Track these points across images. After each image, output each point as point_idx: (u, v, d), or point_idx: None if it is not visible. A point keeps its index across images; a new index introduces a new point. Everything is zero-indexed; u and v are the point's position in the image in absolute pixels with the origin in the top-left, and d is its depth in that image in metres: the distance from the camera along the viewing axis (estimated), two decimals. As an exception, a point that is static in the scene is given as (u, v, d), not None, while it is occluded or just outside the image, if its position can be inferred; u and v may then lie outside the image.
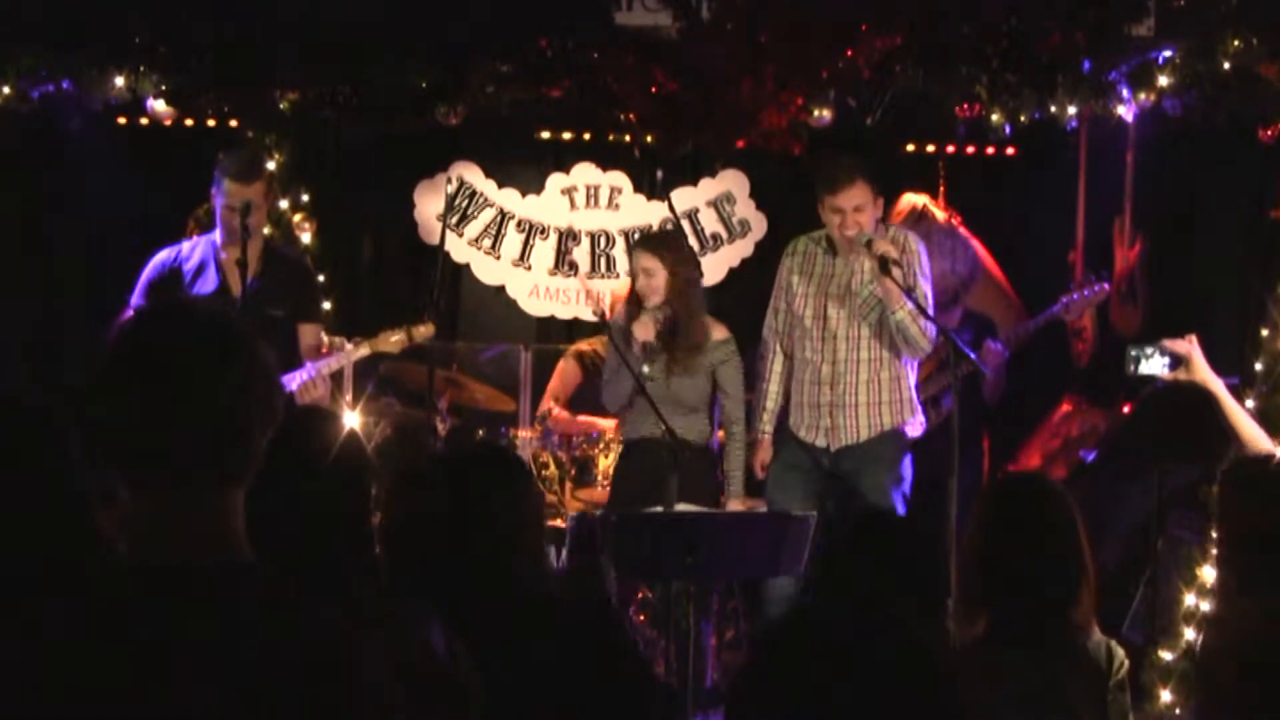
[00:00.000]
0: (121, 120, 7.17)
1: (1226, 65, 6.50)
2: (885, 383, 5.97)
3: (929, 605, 3.19)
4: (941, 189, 7.51)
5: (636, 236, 6.84)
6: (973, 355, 5.73)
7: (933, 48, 6.66)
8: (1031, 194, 7.66)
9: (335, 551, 2.67)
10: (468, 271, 7.93)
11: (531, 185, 7.93)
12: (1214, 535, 3.67)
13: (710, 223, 7.92)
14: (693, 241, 7.47)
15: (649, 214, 7.85)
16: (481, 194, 7.91)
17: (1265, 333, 6.34)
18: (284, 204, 6.81)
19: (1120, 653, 3.35)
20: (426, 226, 7.77)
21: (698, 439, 6.02)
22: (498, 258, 7.93)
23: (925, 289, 5.89)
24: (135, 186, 7.23)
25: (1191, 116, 6.61)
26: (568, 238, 7.93)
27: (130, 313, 5.91)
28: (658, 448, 5.76)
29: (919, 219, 7.19)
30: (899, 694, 1.66)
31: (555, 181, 7.93)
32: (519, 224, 7.93)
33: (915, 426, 6.05)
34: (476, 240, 7.92)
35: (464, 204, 7.86)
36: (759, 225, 7.92)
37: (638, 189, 7.93)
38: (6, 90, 6.71)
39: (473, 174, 7.87)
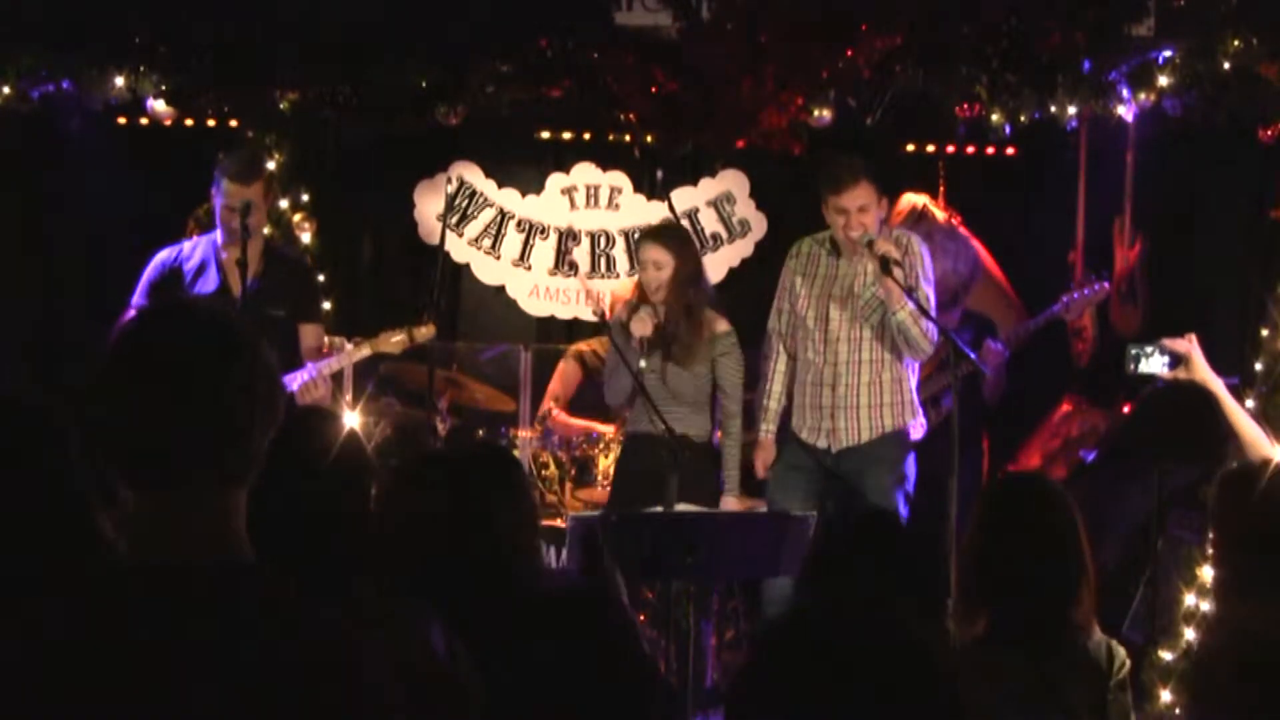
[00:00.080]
0: (121, 120, 7.17)
1: (1226, 65, 6.50)
2: (887, 384, 5.97)
3: (929, 605, 3.19)
4: (941, 189, 7.51)
5: (641, 230, 6.79)
6: (973, 355, 5.73)
7: (933, 48, 6.66)
8: (1031, 194, 7.66)
9: (335, 551, 2.67)
10: (468, 271, 7.93)
11: (531, 185, 7.93)
12: (1209, 537, 3.67)
13: (710, 223, 7.92)
14: (694, 242, 7.47)
15: (649, 214, 7.84)
16: (481, 194, 7.91)
17: (1265, 333, 6.34)
18: (284, 204, 6.81)
19: (1121, 652, 3.35)
20: (426, 226, 7.77)
21: (699, 436, 6.02)
22: (498, 258, 7.93)
23: (928, 291, 5.88)
24: (135, 186, 7.23)
25: (1191, 116, 6.61)
26: (568, 238, 7.93)
27: (132, 313, 5.91)
28: (658, 444, 5.75)
29: (919, 219, 7.19)
30: (899, 694, 1.66)
31: (555, 181, 7.93)
32: (519, 224, 7.93)
33: (917, 429, 6.04)
34: (476, 240, 7.92)
35: (464, 204, 7.86)
36: (759, 225, 7.92)
37: (638, 189, 7.93)
38: (6, 90, 6.71)
39: (473, 174, 7.87)
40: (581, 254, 7.92)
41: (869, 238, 5.78)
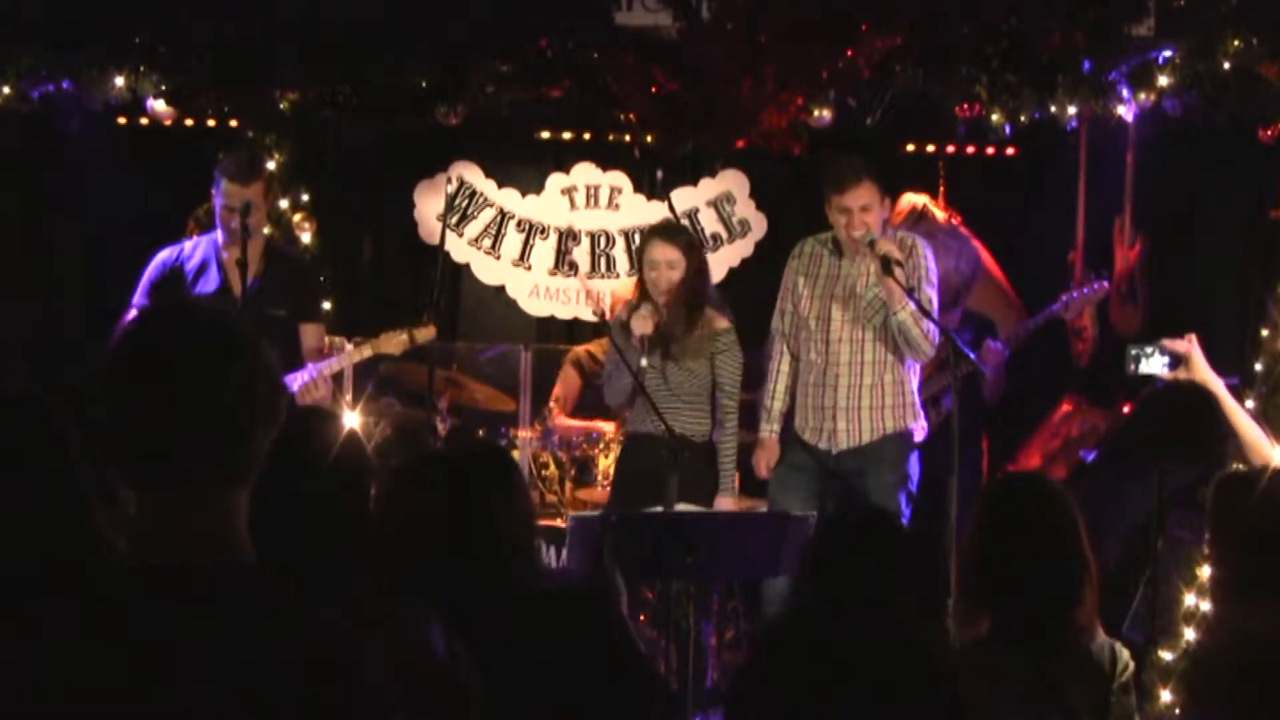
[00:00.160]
0: (121, 120, 7.17)
1: (1226, 65, 6.50)
2: (889, 386, 5.96)
3: (929, 605, 3.19)
4: (941, 189, 7.51)
5: (646, 229, 6.72)
6: (972, 355, 5.72)
7: (933, 48, 6.66)
8: (1031, 194, 7.66)
9: (335, 551, 2.67)
10: (468, 271, 7.93)
11: (531, 185, 7.93)
12: (1206, 538, 3.67)
13: (710, 223, 7.92)
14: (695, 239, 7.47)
15: (649, 214, 7.84)
16: (481, 194, 7.91)
17: (1265, 333, 6.34)
18: (284, 204, 6.81)
19: (1125, 654, 3.34)
20: (426, 226, 7.77)
21: (699, 435, 6.01)
22: (498, 258, 7.93)
23: (930, 294, 5.86)
24: (135, 186, 7.24)
25: (1191, 116, 6.61)
26: (568, 238, 7.93)
27: (133, 312, 5.91)
28: (658, 444, 5.75)
29: (919, 219, 7.19)
30: (898, 694, 1.66)
31: (555, 181, 7.93)
32: (519, 224, 7.94)
33: (918, 431, 6.04)
34: (476, 240, 7.92)
35: (464, 204, 7.86)
36: (759, 225, 7.92)
37: (638, 189, 7.94)
38: (6, 90, 6.71)
39: (473, 174, 7.87)
40: (581, 254, 7.92)
41: (870, 237, 5.78)
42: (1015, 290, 7.50)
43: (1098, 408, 7.09)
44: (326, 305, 6.65)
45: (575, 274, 7.92)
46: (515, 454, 6.87)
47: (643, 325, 5.88)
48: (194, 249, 6.08)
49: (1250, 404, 5.85)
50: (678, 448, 5.52)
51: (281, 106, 6.81)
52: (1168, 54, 6.56)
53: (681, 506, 5.30)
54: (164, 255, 6.07)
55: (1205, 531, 3.58)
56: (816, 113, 6.80)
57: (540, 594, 2.93)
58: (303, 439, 2.64)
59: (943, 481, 5.55)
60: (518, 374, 7.63)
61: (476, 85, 6.77)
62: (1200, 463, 5.49)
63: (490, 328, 7.94)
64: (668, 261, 5.95)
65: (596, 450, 6.86)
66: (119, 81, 6.72)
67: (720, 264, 7.82)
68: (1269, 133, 6.68)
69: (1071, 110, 6.67)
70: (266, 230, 6.27)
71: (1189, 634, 5.54)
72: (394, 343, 6.08)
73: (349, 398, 6.29)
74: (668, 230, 6.19)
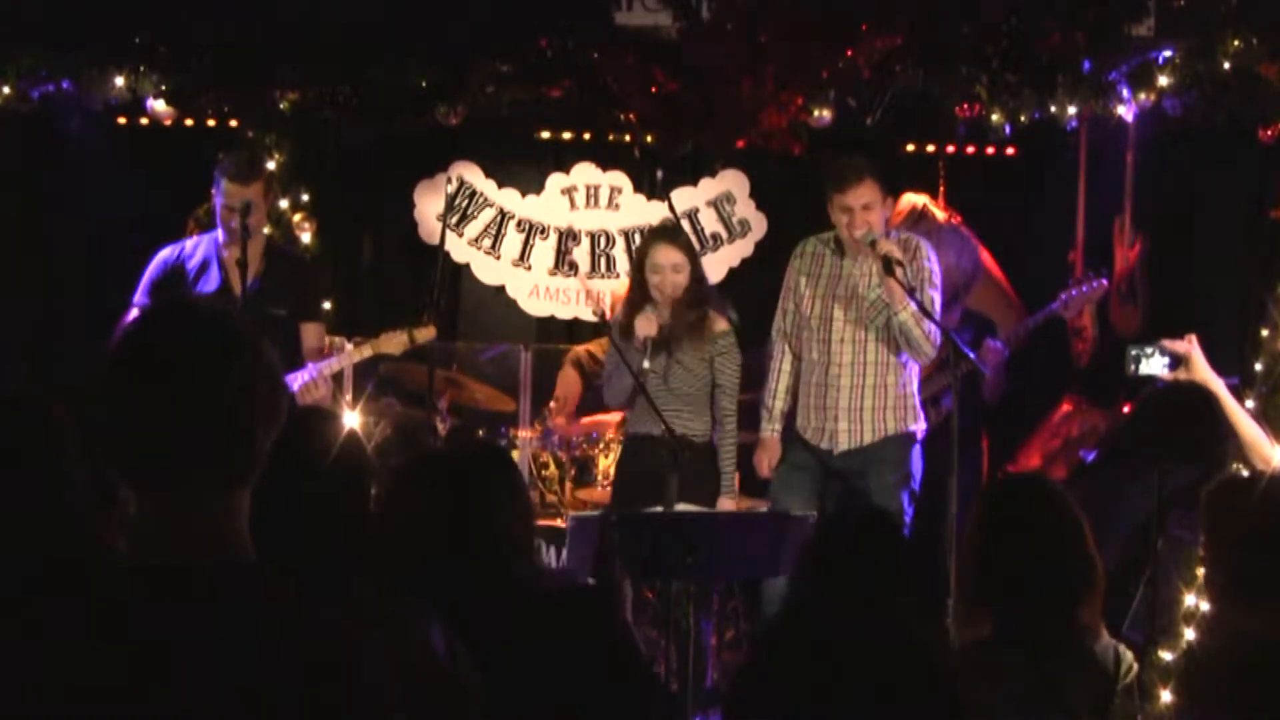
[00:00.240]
0: (121, 120, 7.17)
1: (1226, 65, 6.50)
2: (891, 387, 5.96)
3: (928, 605, 3.19)
4: (941, 189, 7.51)
5: (649, 230, 6.68)
6: (972, 355, 5.72)
7: (933, 48, 6.66)
8: (1031, 194, 7.66)
9: (335, 551, 2.67)
10: (468, 271, 7.93)
11: (531, 185, 7.93)
12: (1202, 540, 3.67)
13: (710, 223, 7.92)
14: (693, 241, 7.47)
15: (649, 214, 7.85)
16: (481, 194, 7.91)
17: (1265, 333, 6.34)
18: (284, 204, 6.82)
19: (1129, 656, 3.34)
20: (426, 226, 7.77)
21: (700, 435, 6.01)
22: (498, 258, 7.93)
23: (934, 296, 5.86)
24: (135, 186, 7.24)
25: (1191, 116, 6.61)
26: (568, 238, 7.93)
27: (134, 311, 5.92)
28: (659, 445, 5.75)
29: (919, 219, 7.19)
30: (898, 694, 1.66)
31: (555, 181, 7.93)
32: (519, 224, 7.94)
33: (919, 432, 6.04)
34: (476, 240, 7.92)
35: (464, 204, 7.86)
36: (759, 225, 7.92)
37: (638, 189, 7.94)
38: (6, 90, 6.71)
39: (473, 174, 7.87)
40: (581, 254, 7.92)
41: (872, 237, 5.77)
42: (1015, 290, 7.50)
43: (1098, 408, 7.08)
44: (327, 305, 6.65)
45: (575, 274, 7.92)
46: (515, 454, 6.87)
47: (647, 327, 5.86)
48: (195, 248, 6.09)
49: (1250, 404, 5.85)
50: (678, 448, 5.52)
51: (281, 106, 6.81)
52: (1168, 54, 6.56)
53: (682, 506, 5.30)
54: (165, 254, 6.08)
55: (1201, 534, 3.57)
56: (816, 113, 6.80)
57: (541, 594, 2.93)
58: (303, 439, 2.64)
59: (943, 481, 5.55)
60: (518, 374, 7.63)
61: (476, 85, 6.77)
62: (1200, 463, 5.49)
63: (490, 328, 7.94)
64: (673, 265, 5.93)
65: (596, 450, 6.86)
66: (119, 81, 6.72)
67: (720, 264, 7.83)
68: (1269, 133, 6.68)
69: (1071, 110, 6.67)
70: (266, 230, 6.28)
71: (1189, 634, 5.54)
72: (394, 343, 6.08)
73: (349, 398, 6.29)
74: (670, 233, 6.16)
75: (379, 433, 6.56)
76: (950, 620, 3.34)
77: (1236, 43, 6.47)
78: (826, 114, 6.80)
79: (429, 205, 7.77)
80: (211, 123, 7.09)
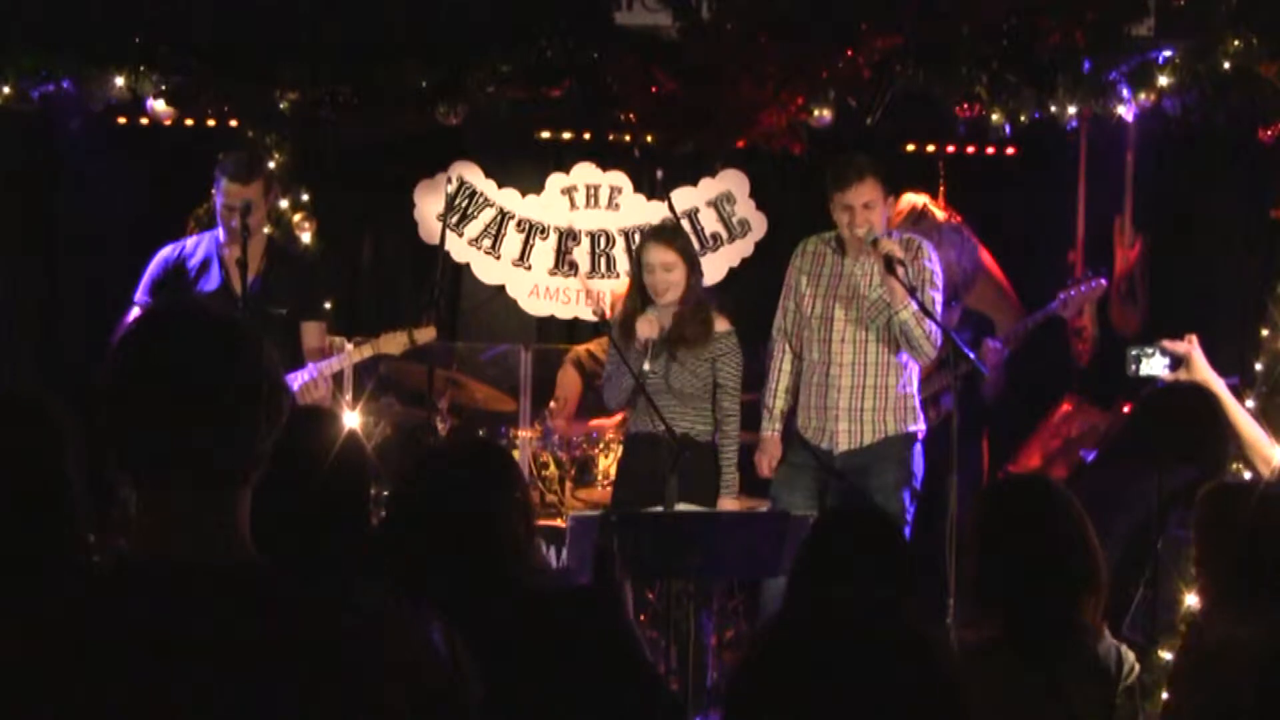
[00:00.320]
0: (121, 120, 7.17)
1: (1226, 65, 6.50)
2: (891, 388, 5.95)
3: (927, 606, 3.19)
4: (941, 189, 7.51)
5: (646, 230, 6.71)
6: (972, 355, 5.72)
7: (933, 48, 6.65)
8: (1031, 194, 7.66)
9: (335, 551, 2.67)
10: (468, 271, 7.93)
11: (531, 185, 7.93)
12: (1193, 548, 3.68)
13: (710, 223, 7.92)
14: (693, 241, 7.47)
15: (649, 214, 7.85)
16: (481, 194, 7.91)
17: (1265, 333, 6.34)
18: (284, 204, 6.82)
19: (1130, 657, 3.33)
20: (426, 226, 7.77)
21: (701, 434, 6.01)
22: (498, 258, 7.93)
23: (935, 297, 5.86)
24: (135, 186, 7.24)
25: (1191, 116, 6.61)
26: (568, 238, 7.93)
27: (135, 309, 5.93)
28: (659, 445, 5.75)
29: (919, 218, 7.19)
30: (899, 694, 1.66)
31: (555, 181, 7.93)
32: (519, 224, 7.94)
33: (919, 433, 6.03)
34: (476, 240, 7.92)
35: (464, 204, 7.86)
36: (759, 225, 7.92)
37: (638, 189, 7.94)
38: (6, 90, 6.71)
39: (473, 174, 7.87)
40: (581, 254, 7.92)
41: (874, 236, 5.77)
42: (1015, 290, 7.51)
43: (1098, 408, 7.08)
44: (328, 304, 6.65)
45: (575, 274, 7.92)
46: (515, 454, 6.87)
47: (648, 329, 5.87)
48: (196, 246, 6.09)
49: (1250, 404, 5.85)
50: (678, 448, 5.52)
51: (281, 106, 6.81)
52: (1168, 54, 6.56)
53: (682, 506, 5.29)
54: (165, 252, 6.09)
55: (1193, 540, 3.58)
56: (816, 113, 6.80)
57: (544, 593, 2.93)
58: (303, 439, 2.64)
59: (943, 480, 5.55)
60: (518, 374, 7.63)
61: (476, 85, 6.77)
62: (1200, 463, 5.48)
63: (490, 328, 7.94)
64: (664, 264, 5.94)
65: (596, 450, 6.85)
66: (119, 81, 6.72)
67: (720, 264, 7.83)
68: (1269, 133, 6.68)
69: (1071, 110, 6.67)
70: (267, 230, 6.28)
71: (1188, 635, 5.53)
72: (394, 343, 6.08)
73: (349, 398, 6.29)
74: (663, 233, 6.17)
75: (379, 433, 6.57)
76: (951, 621, 3.33)
77: (1236, 43, 6.47)
78: (826, 114, 6.80)
79: (429, 205, 7.77)
80: (211, 123, 7.09)
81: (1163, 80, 6.56)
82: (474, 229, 7.90)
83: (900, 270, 5.65)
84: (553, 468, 6.91)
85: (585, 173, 7.93)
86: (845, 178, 5.81)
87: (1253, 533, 3.34)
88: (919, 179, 7.39)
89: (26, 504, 2.55)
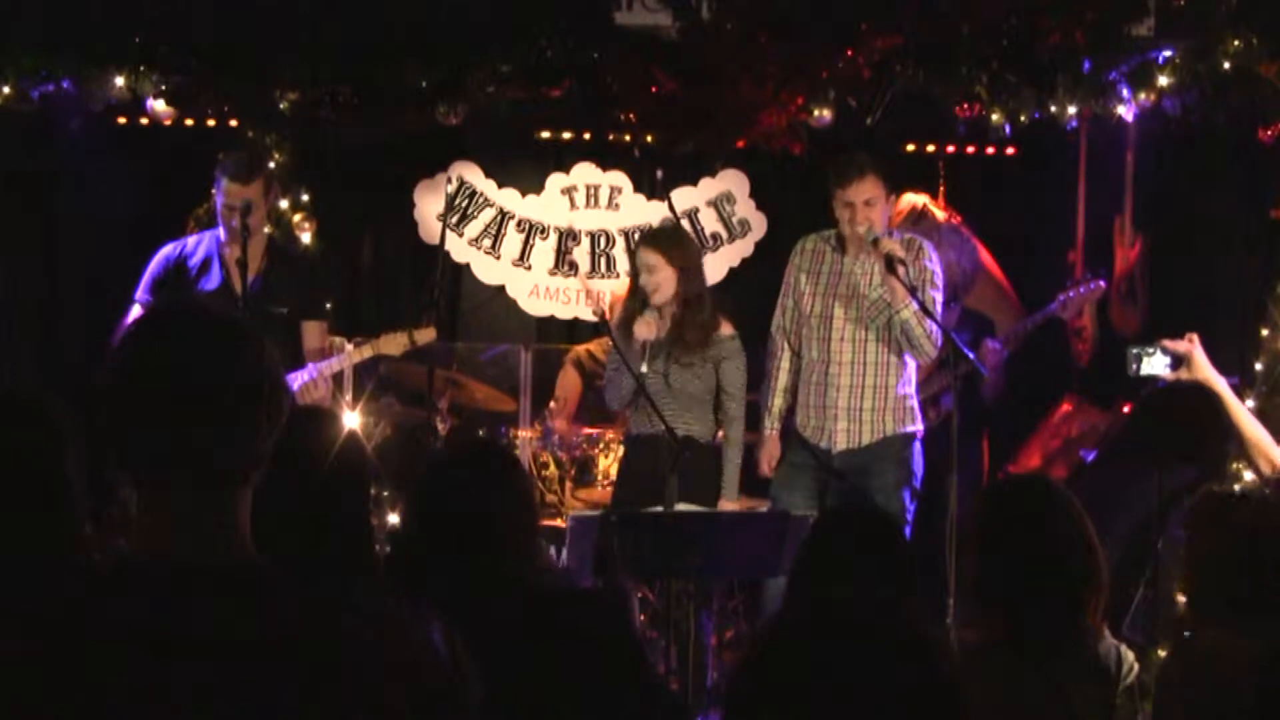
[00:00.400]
0: (121, 120, 7.17)
1: (1226, 65, 6.50)
2: (890, 388, 5.95)
3: (927, 606, 3.19)
4: (941, 189, 7.51)
5: (639, 234, 6.78)
6: (971, 355, 5.72)
7: (933, 48, 6.66)
8: (1031, 194, 7.66)
9: (335, 551, 2.67)
10: (468, 271, 7.93)
11: (531, 185, 7.93)
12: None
13: (710, 223, 7.92)
14: (690, 246, 7.45)
15: (649, 214, 7.85)
16: (481, 194, 7.91)
17: (1265, 333, 6.35)
18: (284, 204, 6.82)
19: (1130, 657, 3.33)
20: (426, 226, 7.77)
21: (702, 436, 6.01)
22: (498, 258, 7.93)
23: (935, 297, 5.86)
24: (135, 186, 7.24)
25: (1191, 116, 6.61)
26: (568, 238, 7.93)
27: (136, 307, 5.93)
28: (660, 446, 5.75)
29: (919, 218, 7.19)
30: (900, 694, 1.66)
31: (555, 181, 7.93)
32: (519, 224, 7.93)
33: (918, 433, 6.03)
34: (476, 240, 7.92)
35: (464, 204, 7.86)
36: (759, 225, 7.92)
37: (638, 189, 7.93)
38: (6, 90, 6.71)
39: (473, 174, 7.87)
40: (581, 254, 7.92)
41: (874, 235, 5.78)
42: (1015, 290, 7.51)
43: (1098, 408, 7.08)
44: (328, 305, 6.65)
45: (575, 274, 7.92)
46: (515, 454, 6.87)
47: (646, 330, 5.88)
48: (197, 245, 6.10)
49: (1250, 404, 5.85)
50: (679, 448, 5.52)
51: (281, 106, 6.81)
52: (1168, 54, 6.56)
53: (682, 506, 5.30)
54: (166, 251, 6.09)
55: (1184, 549, 3.59)
56: (816, 113, 6.80)
57: (547, 594, 2.93)
58: (303, 439, 2.64)
59: (942, 480, 5.55)
60: (518, 374, 7.63)
61: (476, 85, 6.77)
62: (1200, 463, 5.49)
63: (490, 328, 7.94)
64: (648, 266, 5.98)
65: (596, 450, 6.85)
66: (119, 81, 6.72)
67: (720, 264, 7.82)
68: (1269, 133, 6.68)
69: (1071, 110, 6.67)
70: (267, 229, 6.28)
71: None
72: (394, 344, 6.08)
73: (349, 398, 6.29)
74: (653, 235, 6.23)
75: (379, 433, 6.57)
76: (951, 620, 3.33)
77: (1236, 43, 6.47)
78: (826, 114, 6.80)
79: (429, 205, 7.77)
80: (211, 123, 7.09)
81: (1163, 80, 6.56)
82: (474, 229, 7.90)
83: (901, 270, 5.65)
84: (553, 468, 6.91)
85: (585, 173, 7.93)
86: (847, 174, 5.81)
87: (1249, 539, 3.34)
88: (919, 179, 7.39)
89: (26, 504, 2.55)
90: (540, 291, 7.95)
